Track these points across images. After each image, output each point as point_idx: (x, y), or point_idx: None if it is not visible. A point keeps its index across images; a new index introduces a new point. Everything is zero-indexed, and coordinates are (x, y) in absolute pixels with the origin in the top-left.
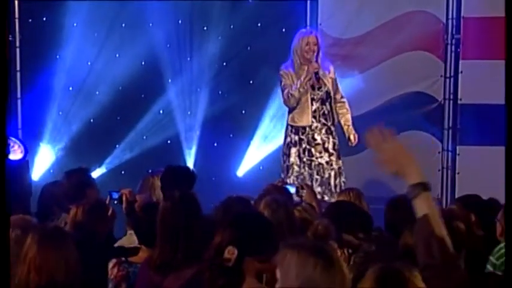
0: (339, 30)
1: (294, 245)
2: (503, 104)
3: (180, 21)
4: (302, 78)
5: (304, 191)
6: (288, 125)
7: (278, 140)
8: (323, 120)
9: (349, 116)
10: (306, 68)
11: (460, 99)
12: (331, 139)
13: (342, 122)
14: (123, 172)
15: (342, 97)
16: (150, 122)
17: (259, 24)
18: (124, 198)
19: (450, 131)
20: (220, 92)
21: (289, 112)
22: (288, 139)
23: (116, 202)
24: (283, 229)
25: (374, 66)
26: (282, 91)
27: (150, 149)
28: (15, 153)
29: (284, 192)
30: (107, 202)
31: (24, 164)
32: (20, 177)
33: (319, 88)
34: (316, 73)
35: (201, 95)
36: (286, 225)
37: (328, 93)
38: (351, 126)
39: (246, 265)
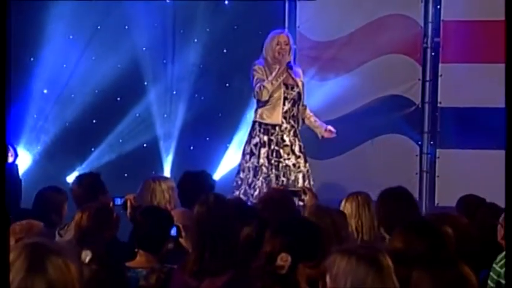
0: (317, 33)
1: (345, 250)
2: (482, 107)
3: (156, 24)
4: (275, 71)
5: (306, 195)
6: (255, 123)
7: None
8: (292, 122)
9: (314, 118)
10: (277, 67)
11: (440, 103)
12: (297, 142)
13: (312, 120)
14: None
15: (304, 104)
16: (126, 125)
17: (235, 27)
18: (128, 204)
19: (429, 135)
20: (196, 95)
21: (257, 109)
22: (257, 139)
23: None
24: (330, 235)
25: (352, 70)
26: (254, 85)
27: (126, 153)
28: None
29: (286, 195)
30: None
31: (15, 168)
32: (11, 181)
33: (292, 88)
34: (289, 63)
35: (177, 98)
36: (332, 231)
37: (299, 94)
38: (320, 124)
39: (298, 272)
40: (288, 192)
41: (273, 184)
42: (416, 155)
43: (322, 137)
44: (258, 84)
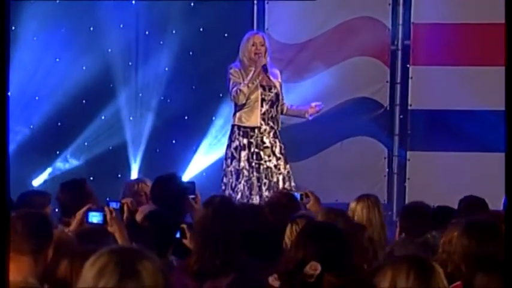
0: (286, 35)
1: (400, 263)
2: (453, 110)
3: (121, 26)
4: (251, 73)
5: (309, 198)
6: (234, 126)
7: (222, 147)
8: (271, 124)
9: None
10: (253, 69)
11: (410, 105)
12: (278, 143)
13: (293, 108)
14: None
15: (283, 102)
16: (92, 128)
17: (201, 29)
18: (126, 208)
19: (400, 137)
20: (162, 98)
21: (235, 112)
22: (236, 142)
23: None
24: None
25: (320, 72)
26: (231, 89)
27: (93, 156)
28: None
29: (293, 199)
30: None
31: None
32: None
33: (269, 89)
34: (265, 65)
35: (144, 101)
36: (351, 235)
37: (277, 95)
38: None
39: (325, 281)
40: (294, 196)
41: (255, 187)
42: (385, 158)
43: (311, 115)
44: (235, 88)
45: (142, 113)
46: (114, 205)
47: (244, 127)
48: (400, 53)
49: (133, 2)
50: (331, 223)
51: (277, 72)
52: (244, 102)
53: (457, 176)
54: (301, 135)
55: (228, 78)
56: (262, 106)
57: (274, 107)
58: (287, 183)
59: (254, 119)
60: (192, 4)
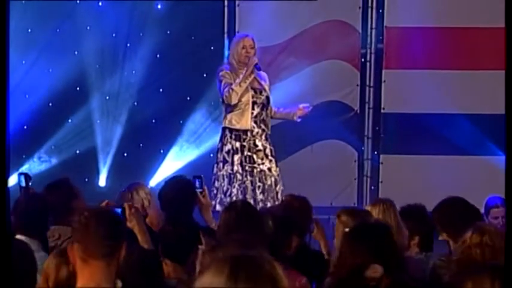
0: (257, 39)
1: (491, 272)
2: (426, 113)
3: (88, 28)
4: (244, 72)
5: (313, 225)
6: (225, 129)
7: (191, 151)
8: (263, 126)
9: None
10: (242, 71)
11: (383, 108)
12: (269, 146)
13: (281, 110)
14: (30, 184)
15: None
16: (59, 132)
17: (168, 32)
18: (128, 212)
19: (372, 140)
20: (130, 101)
21: (226, 114)
22: (229, 146)
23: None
24: None
25: (291, 75)
26: (222, 90)
27: (60, 160)
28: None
29: (305, 202)
30: None
31: None
32: None
33: (260, 92)
34: (257, 64)
35: (110, 104)
36: None
37: (268, 98)
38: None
39: (383, 283)
40: (305, 199)
41: (249, 191)
42: (355, 161)
43: (300, 117)
44: (227, 88)
45: (109, 116)
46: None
47: (237, 130)
48: (373, 56)
49: (100, 3)
50: (380, 222)
51: (265, 75)
52: (236, 102)
53: (429, 178)
54: (272, 139)
55: (219, 80)
56: (253, 109)
57: (265, 110)
58: (278, 186)
59: (245, 122)
60: (159, 6)
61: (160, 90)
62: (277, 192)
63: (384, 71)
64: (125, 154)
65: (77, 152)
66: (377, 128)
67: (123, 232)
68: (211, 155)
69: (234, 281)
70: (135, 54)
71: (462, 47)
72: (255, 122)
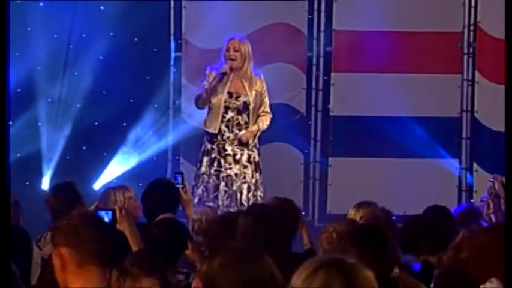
0: (203, 41)
1: None
2: (374, 116)
3: (29, 29)
4: (211, 78)
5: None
6: (204, 130)
7: (135, 154)
8: (236, 131)
9: (261, 125)
10: (230, 73)
11: (332, 112)
12: (246, 151)
13: (260, 121)
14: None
15: (265, 111)
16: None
17: (111, 33)
18: (118, 215)
19: (320, 143)
20: (70, 102)
21: (206, 115)
22: (203, 147)
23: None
24: None
25: None
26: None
27: None
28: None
29: (293, 204)
30: None
31: None
32: None
33: (237, 97)
34: (224, 73)
35: (53, 107)
36: None
37: (246, 104)
38: (252, 130)
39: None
40: (291, 201)
41: (210, 194)
42: (301, 164)
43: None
44: (197, 92)
45: (52, 119)
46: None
47: (209, 132)
48: (321, 59)
49: (41, 4)
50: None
51: (259, 80)
52: (202, 107)
53: (378, 181)
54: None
55: (201, 80)
56: (226, 113)
57: (244, 115)
58: (251, 193)
59: (214, 126)
60: (102, 7)
61: (103, 92)
62: (248, 199)
63: (332, 74)
64: (68, 157)
65: (18, 155)
66: (325, 131)
67: (185, 238)
68: (155, 158)
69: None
70: (78, 56)
71: (411, 51)
72: (227, 126)
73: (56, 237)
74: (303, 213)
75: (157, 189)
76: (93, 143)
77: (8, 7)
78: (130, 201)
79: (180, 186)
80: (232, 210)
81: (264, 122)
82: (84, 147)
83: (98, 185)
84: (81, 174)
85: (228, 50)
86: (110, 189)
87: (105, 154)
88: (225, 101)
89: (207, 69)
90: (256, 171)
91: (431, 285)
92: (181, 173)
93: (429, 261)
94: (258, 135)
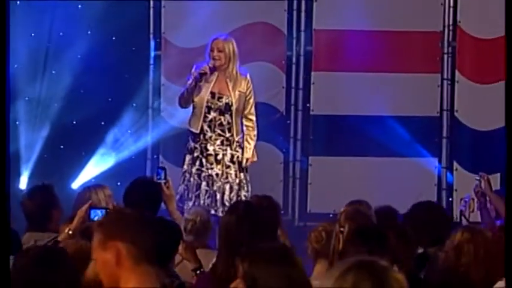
0: (183, 40)
1: None
2: (354, 115)
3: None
4: (191, 79)
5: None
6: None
7: (114, 153)
8: (219, 131)
9: (252, 143)
10: (215, 73)
11: (312, 110)
12: (229, 151)
13: (248, 138)
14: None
15: (250, 113)
16: None
17: (89, 32)
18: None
19: (301, 142)
20: (48, 101)
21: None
22: (187, 145)
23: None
24: None
25: None
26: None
27: None
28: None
29: (272, 201)
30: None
31: None
32: None
33: (219, 98)
34: (203, 74)
35: (29, 105)
36: None
37: (228, 105)
38: (250, 147)
39: None
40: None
41: (190, 193)
42: (281, 163)
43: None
44: (181, 91)
45: (28, 117)
46: (99, 213)
47: (192, 131)
48: (302, 58)
49: (18, 2)
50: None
51: (244, 81)
52: (184, 107)
53: (359, 180)
54: None
55: (187, 78)
56: (209, 113)
57: (226, 115)
58: (234, 193)
59: (196, 125)
60: (80, 6)
61: (82, 91)
62: (230, 199)
63: (312, 73)
64: (46, 156)
65: None
66: (306, 130)
67: (178, 237)
68: (133, 157)
69: None
70: (56, 55)
71: (391, 50)
72: (209, 126)
73: (111, 230)
74: (282, 212)
75: (138, 188)
76: (71, 142)
77: (8, 7)
78: (111, 200)
79: (162, 181)
80: (212, 211)
81: (253, 138)
82: (62, 147)
83: (76, 185)
84: (60, 173)
85: (212, 50)
86: (88, 188)
87: (83, 153)
88: (207, 101)
89: (193, 67)
90: (240, 171)
91: (422, 274)
92: (164, 168)
93: (426, 253)
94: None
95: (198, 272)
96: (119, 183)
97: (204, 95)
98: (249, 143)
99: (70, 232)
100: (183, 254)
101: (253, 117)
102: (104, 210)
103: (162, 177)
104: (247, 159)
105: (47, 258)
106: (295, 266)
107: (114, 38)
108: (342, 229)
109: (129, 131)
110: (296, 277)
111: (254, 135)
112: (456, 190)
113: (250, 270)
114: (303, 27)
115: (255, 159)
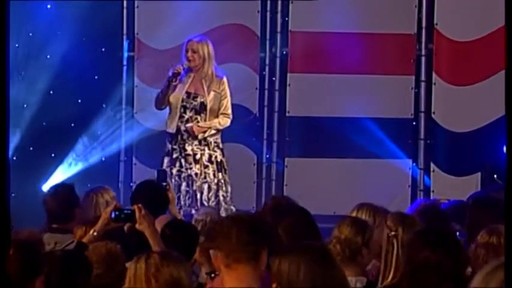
0: (157, 41)
1: None
2: (330, 117)
3: None
4: (165, 80)
5: None
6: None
7: (85, 155)
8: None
9: (213, 124)
10: (191, 74)
11: (288, 112)
12: (206, 151)
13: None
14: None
15: (223, 112)
16: None
17: (59, 32)
18: (138, 215)
19: (276, 143)
20: (18, 103)
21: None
22: (165, 147)
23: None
24: None
25: None
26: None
27: None
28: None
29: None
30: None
31: None
32: None
33: (194, 97)
34: (177, 74)
35: None
36: None
37: (203, 104)
38: (201, 124)
39: None
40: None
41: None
42: (254, 164)
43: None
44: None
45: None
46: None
47: (169, 133)
48: (278, 60)
49: None
50: None
51: (219, 81)
52: (158, 108)
53: (334, 181)
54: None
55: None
56: (185, 113)
57: (202, 115)
58: (214, 192)
59: (172, 126)
60: (49, 6)
61: (51, 92)
62: (209, 199)
63: (288, 75)
64: (15, 158)
65: None
66: (282, 132)
67: (265, 236)
68: (103, 159)
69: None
70: (25, 55)
71: (367, 52)
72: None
73: (212, 241)
74: None
75: (145, 191)
76: (41, 143)
77: (8, 7)
78: (115, 201)
79: (163, 183)
80: (193, 210)
81: (219, 122)
82: (31, 148)
83: (46, 187)
84: (30, 175)
85: (186, 51)
86: (92, 192)
87: (53, 155)
88: (183, 100)
89: (169, 70)
90: (219, 171)
91: None
92: (165, 171)
93: None
94: (209, 132)
95: (212, 275)
96: (89, 185)
97: (179, 95)
98: (212, 122)
99: (95, 234)
100: (197, 257)
101: (229, 112)
102: (130, 212)
103: (163, 180)
104: (195, 128)
105: (73, 264)
106: (335, 265)
107: (84, 39)
108: (394, 233)
109: (99, 133)
110: (337, 277)
111: (221, 124)
112: (433, 191)
113: (284, 270)
114: (279, 29)
115: (200, 135)
